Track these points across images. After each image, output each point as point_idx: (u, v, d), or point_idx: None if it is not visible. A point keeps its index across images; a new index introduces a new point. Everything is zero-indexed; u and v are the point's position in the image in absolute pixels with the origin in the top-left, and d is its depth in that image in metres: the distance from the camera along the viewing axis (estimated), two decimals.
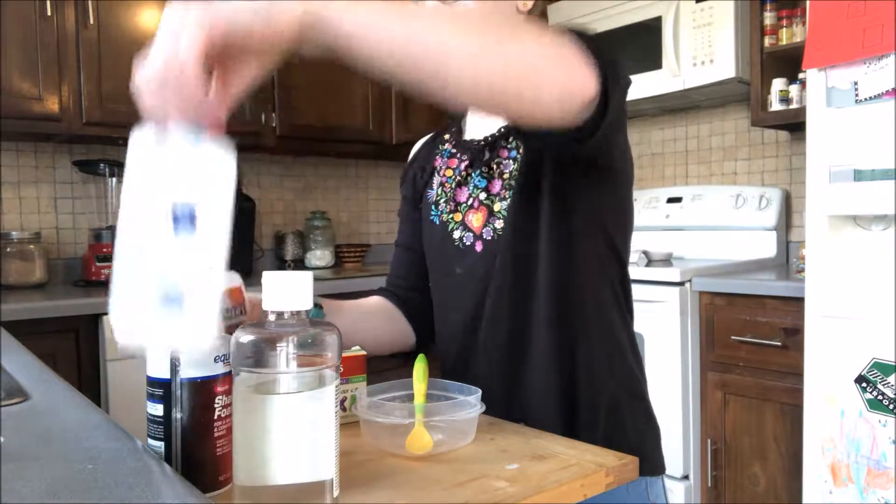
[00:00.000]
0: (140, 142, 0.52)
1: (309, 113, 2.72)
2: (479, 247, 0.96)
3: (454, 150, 1.04)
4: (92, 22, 2.19)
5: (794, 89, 2.35)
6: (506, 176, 0.95)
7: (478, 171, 0.98)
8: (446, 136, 1.08)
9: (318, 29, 0.55)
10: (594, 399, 0.93)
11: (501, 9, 0.92)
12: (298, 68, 2.67)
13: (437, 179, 1.04)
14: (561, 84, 0.65)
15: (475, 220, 0.96)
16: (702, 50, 2.46)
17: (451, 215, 0.99)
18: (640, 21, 2.64)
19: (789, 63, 2.36)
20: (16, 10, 2.08)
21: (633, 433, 0.96)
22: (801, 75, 2.31)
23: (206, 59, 0.50)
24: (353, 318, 1.01)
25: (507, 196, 0.93)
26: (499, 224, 0.94)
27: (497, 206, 0.94)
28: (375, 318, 1.07)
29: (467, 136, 1.04)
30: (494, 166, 0.96)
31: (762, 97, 2.40)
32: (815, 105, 1.79)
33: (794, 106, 2.34)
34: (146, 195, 0.51)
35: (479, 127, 1.02)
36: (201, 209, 0.50)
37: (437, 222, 1.01)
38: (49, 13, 2.12)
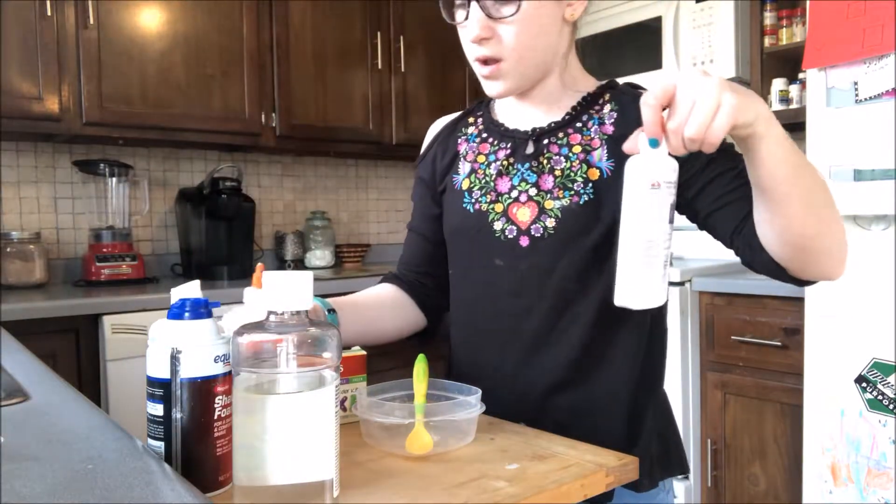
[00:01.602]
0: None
1: (309, 113, 2.72)
2: (524, 241, 0.93)
3: (485, 135, 1.01)
4: (92, 22, 2.19)
5: (794, 89, 2.35)
6: (557, 173, 0.93)
7: (526, 165, 0.95)
8: (470, 119, 1.05)
9: (755, 135, 0.70)
10: (646, 398, 0.95)
11: (549, 14, 0.90)
12: (298, 68, 2.67)
13: (465, 165, 1.02)
14: (844, 246, 0.82)
15: (521, 214, 0.94)
16: (702, 50, 2.46)
17: (491, 205, 0.96)
18: (640, 21, 2.64)
19: (789, 63, 2.36)
20: (16, 10, 2.08)
21: (673, 432, 0.99)
22: (801, 75, 2.31)
23: None
24: (353, 313, 1.01)
25: (561, 196, 0.91)
26: (550, 223, 0.91)
27: (550, 204, 0.92)
28: (375, 310, 1.06)
29: (505, 122, 1.01)
30: (544, 161, 0.94)
31: (762, 97, 2.40)
32: (815, 105, 1.79)
33: (794, 106, 2.34)
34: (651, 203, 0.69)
35: (517, 117, 1.00)
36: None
37: (472, 210, 0.98)
38: (49, 13, 2.12)
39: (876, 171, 1.67)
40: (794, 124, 2.33)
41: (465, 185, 1.00)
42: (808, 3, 1.78)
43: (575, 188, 0.91)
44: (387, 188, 3.40)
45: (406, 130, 3.02)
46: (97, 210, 2.48)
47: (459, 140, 1.04)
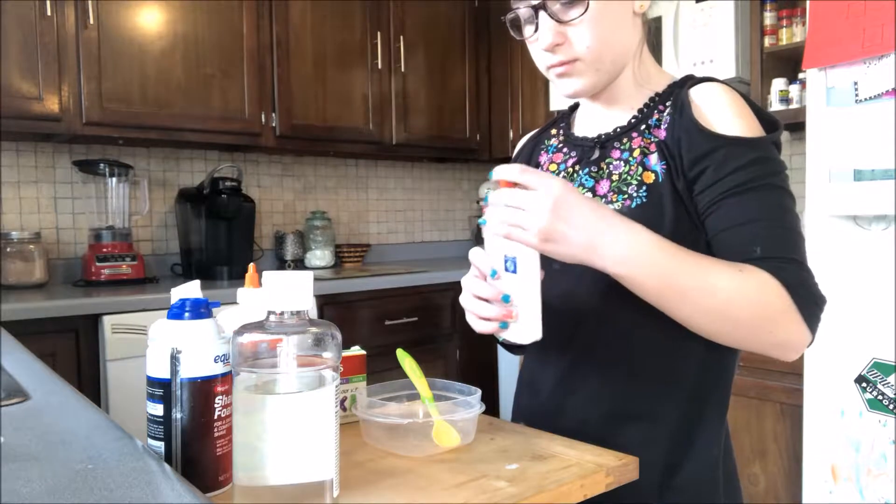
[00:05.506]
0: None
1: (309, 113, 2.72)
2: None
3: (561, 146, 1.02)
4: (92, 22, 2.19)
5: (794, 89, 2.35)
6: (615, 178, 0.91)
7: (585, 171, 0.94)
8: (553, 132, 1.06)
9: (612, 272, 0.78)
10: (696, 424, 0.93)
11: (619, 10, 0.88)
12: (298, 68, 2.67)
13: None
14: (776, 342, 0.83)
15: None
16: (702, 50, 2.46)
17: None
18: None
19: (789, 63, 2.36)
20: (16, 10, 2.08)
21: (734, 474, 0.97)
22: (801, 75, 2.31)
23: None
24: None
25: (615, 200, 0.89)
26: None
27: None
28: None
29: (577, 132, 1.01)
30: (604, 166, 0.93)
31: (762, 97, 2.40)
32: (815, 105, 1.79)
33: (794, 106, 2.34)
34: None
35: (590, 124, 0.99)
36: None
37: None
38: (49, 13, 2.12)
39: (876, 171, 1.67)
40: (795, 124, 2.33)
41: None
42: (808, 3, 1.78)
43: (629, 192, 0.89)
44: (387, 188, 3.40)
45: (406, 130, 3.02)
46: (97, 210, 2.48)
47: (541, 152, 1.05)
